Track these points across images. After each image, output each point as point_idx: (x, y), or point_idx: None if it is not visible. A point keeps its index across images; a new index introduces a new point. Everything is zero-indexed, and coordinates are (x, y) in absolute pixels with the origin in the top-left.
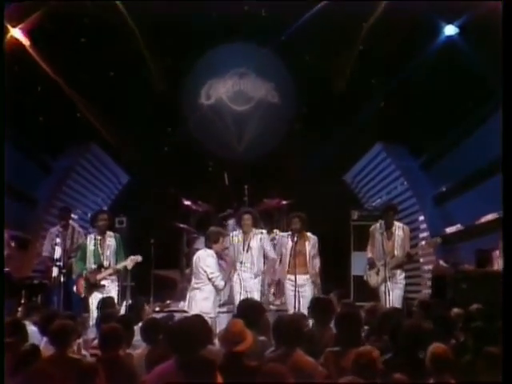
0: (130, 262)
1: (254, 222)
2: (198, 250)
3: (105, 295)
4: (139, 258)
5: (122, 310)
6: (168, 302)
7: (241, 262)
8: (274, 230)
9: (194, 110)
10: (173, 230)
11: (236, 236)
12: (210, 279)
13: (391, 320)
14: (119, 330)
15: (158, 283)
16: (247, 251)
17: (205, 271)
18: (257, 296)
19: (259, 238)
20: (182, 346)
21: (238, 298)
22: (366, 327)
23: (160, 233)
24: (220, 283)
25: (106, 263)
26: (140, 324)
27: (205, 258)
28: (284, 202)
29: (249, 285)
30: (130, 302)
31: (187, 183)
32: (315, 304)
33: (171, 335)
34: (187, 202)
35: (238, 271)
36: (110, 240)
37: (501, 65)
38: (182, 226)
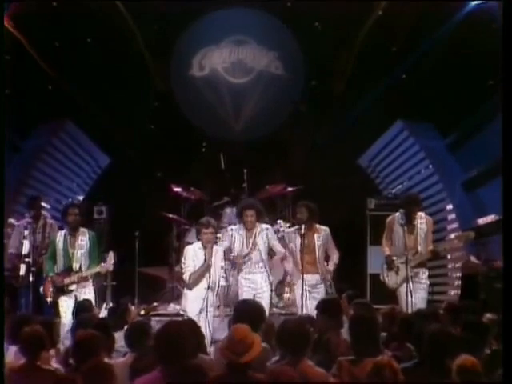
0: (99, 269)
1: (259, 216)
2: (189, 244)
3: (81, 298)
4: (111, 267)
5: (102, 314)
6: (155, 304)
7: (245, 262)
8: (278, 221)
9: (184, 82)
10: (160, 221)
11: (237, 232)
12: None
13: (413, 326)
14: (95, 336)
15: (143, 282)
16: (253, 249)
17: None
18: (267, 299)
19: (265, 235)
20: (168, 354)
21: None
22: (383, 334)
23: (146, 224)
24: (185, 277)
25: (75, 266)
26: (124, 329)
27: (185, 251)
28: (290, 189)
29: (260, 286)
30: (112, 304)
31: (177, 167)
32: (322, 306)
33: (156, 341)
34: (177, 189)
35: (242, 271)
36: (83, 239)
37: (501, 65)
38: (171, 216)
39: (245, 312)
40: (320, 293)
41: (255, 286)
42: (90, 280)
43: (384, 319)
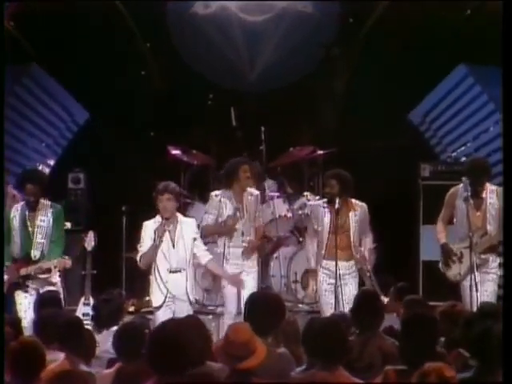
0: (57, 263)
1: (256, 178)
2: None
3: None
4: (69, 263)
5: (80, 310)
6: (147, 298)
7: (241, 235)
8: (305, 193)
9: (183, 21)
10: (154, 193)
11: (225, 198)
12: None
13: (478, 327)
14: (32, 347)
15: (132, 271)
16: (242, 217)
17: None
18: (255, 280)
19: (255, 201)
20: (165, 362)
21: (232, 288)
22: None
23: (135, 197)
24: (138, 258)
25: (35, 253)
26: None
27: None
28: (320, 152)
29: (247, 262)
30: (105, 295)
31: (175, 124)
32: (358, 301)
33: (150, 346)
34: (175, 152)
35: (228, 251)
36: (43, 218)
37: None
38: None
39: (257, 306)
40: (352, 284)
41: (241, 261)
42: (56, 272)
43: (442, 320)
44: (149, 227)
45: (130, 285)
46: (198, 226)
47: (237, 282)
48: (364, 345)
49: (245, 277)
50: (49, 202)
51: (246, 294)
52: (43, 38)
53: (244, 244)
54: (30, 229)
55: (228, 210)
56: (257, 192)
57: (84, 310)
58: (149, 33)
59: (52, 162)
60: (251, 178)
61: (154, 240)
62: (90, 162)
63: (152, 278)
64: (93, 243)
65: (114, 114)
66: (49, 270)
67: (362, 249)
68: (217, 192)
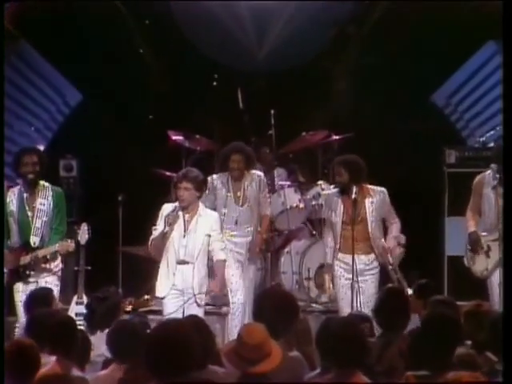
0: (58, 247)
1: (248, 164)
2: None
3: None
4: (72, 246)
5: (73, 310)
6: (147, 296)
7: (236, 223)
8: (319, 182)
9: None
10: (153, 182)
11: (220, 182)
12: None
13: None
14: (26, 350)
15: (129, 267)
16: (243, 204)
17: None
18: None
19: (257, 185)
20: (164, 366)
21: (232, 278)
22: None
23: (133, 185)
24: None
25: (35, 240)
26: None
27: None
28: (335, 138)
29: (247, 254)
30: (100, 294)
31: (177, 106)
32: (382, 298)
33: (148, 348)
34: (177, 137)
35: (228, 236)
36: (43, 201)
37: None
38: (168, 174)
39: (267, 306)
40: (374, 281)
41: (243, 251)
42: (56, 263)
43: (466, 321)
44: (166, 211)
45: (127, 282)
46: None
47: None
48: (385, 347)
49: (247, 268)
50: (48, 185)
51: (249, 287)
52: (32, 14)
53: (248, 236)
54: (28, 213)
55: (225, 195)
56: (260, 174)
57: (77, 309)
58: (148, 9)
59: (42, 148)
60: (241, 169)
61: (164, 227)
62: (84, 147)
63: (161, 265)
64: (86, 236)
65: (110, 96)
66: (52, 258)
67: (389, 237)
68: (214, 176)
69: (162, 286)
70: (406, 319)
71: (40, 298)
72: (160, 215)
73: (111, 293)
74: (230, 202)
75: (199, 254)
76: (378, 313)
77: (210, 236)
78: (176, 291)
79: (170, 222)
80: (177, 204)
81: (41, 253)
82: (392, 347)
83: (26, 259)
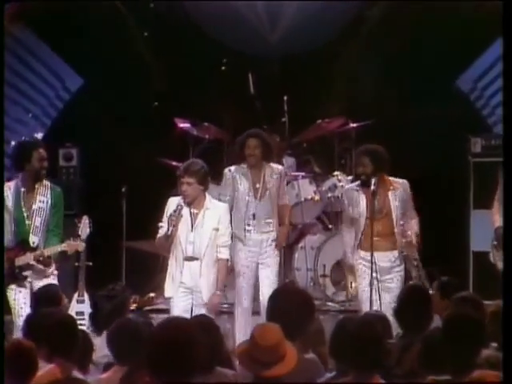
0: (66, 246)
1: (266, 150)
2: None
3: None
4: (82, 245)
5: (73, 308)
6: (152, 294)
7: (254, 217)
8: (335, 173)
9: None
10: (159, 172)
11: (239, 173)
12: None
13: None
14: (25, 350)
15: (133, 263)
16: (262, 197)
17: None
18: (273, 273)
19: (277, 178)
20: (169, 368)
21: (243, 279)
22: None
23: (137, 176)
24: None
25: (34, 239)
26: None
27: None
28: (352, 125)
29: (264, 251)
30: (107, 291)
31: (184, 92)
32: (403, 297)
33: (151, 349)
34: (184, 124)
35: (244, 235)
36: (42, 199)
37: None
38: (174, 164)
39: (282, 305)
40: (398, 279)
41: (259, 250)
42: (53, 265)
43: (491, 322)
44: (171, 205)
45: (131, 279)
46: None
47: (212, 306)
48: (405, 349)
49: (263, 269)
50: (47, 182)
51: (265, 292)
52: None
53: (266, 233)
54: (26, 211)
55: (243, 188)
56: (280, 167)
57: (78, 307)
58: None
59: (40, 136)
60: (258, 156)
61: (168, 228)
62: (84, 135)
63: (169, 264)
64: (88, 230)
65: (112, 81)
66: (49, 261)
67: (409, 232)
68: (231, 167)
69: (169, 286)
70: (428, 319)
71: (49, 296)
72: (166, 210)
73: (119, 290)
74: (248, 194)
75: (207, 249)
76: (398, 312)
77: (217, 230)
78: (185, 290)
79: (174, 223)
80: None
81: (47, 252)
82: (413, 349)
83: (23, 259)
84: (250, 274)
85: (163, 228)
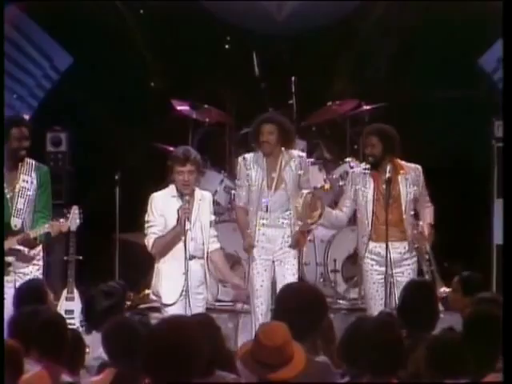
0: (49, 227)
1: (284, 137)
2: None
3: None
4: (65, 226)
5: (62, 306)
6: (147, 291)
7: (268, 210)
8: (347, 159)
9: None
10: (155, 158)
11: (254, 162)
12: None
13: None
14: (11, 352)
15: (127, 256)
16: (277, 188)
17: None
18: (291, 272)
19: (296, 166)
20: (163, 369)
21: (258, 279)
22: None
23: (132, 162)
24: (148, 242)
25: (16, 222)
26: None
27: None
28: (365, 108)
29: (280, 247)
30: (103, 287)
31: (183, 72)
32: (405, 294)
33: (147, 350)
34: (182, 107)
35: (257, 226)
36: (26, 179)
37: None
38: (172, 149)
39: (291, 303)
40: (409, 273)
41: (273, 246)
42: (37, 250)
43: None
44: (158, 201)
45: (124, 274)
46: (214, 202)
47: (238, 293)
48: (411, 350)
49: (279, 267)
50: (32, 161)
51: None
52: None
53: (282, 227)
54: (8, 192)
55: (257, 178)
56: (301, 154)
57: (67, 305)
58: None
59: (26, 118)
60: (273, 142)
61: (178, 222)
62: (74, 118)
63: (162, 266)
64: (78, 221)
65: (104, 59)
66: (33, 244)
67: (421, 223)
68: (246, 155)
69: (169, 290)
70: (434, 317)
71: (31, 292)
72: (150, 208)
73: (116, 288)
74: (262, 185)
75: (207, 244)
76: (401, 311)
77: (211, 222)
78: (187, 294)
79: (186, 216)
80: (171, 191)
81: (32, 233)
82: (418, 350)
83: (6, 244)
84: (265, 273)
85: (156, 227)
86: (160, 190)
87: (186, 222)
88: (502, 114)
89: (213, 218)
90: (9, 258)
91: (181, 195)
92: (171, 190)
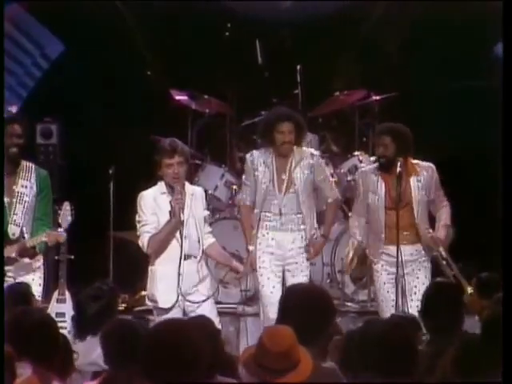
0: (46, 237)
1: (299, 136)
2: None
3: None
4: (62, 236)
5: (53, 308)
6: (143, 293)
7: (278, 213)
8: (356, 153)
9: None
10: (152, 151)
11: (262, 160)
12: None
13: None
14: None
15: (122, 256)
16: (287, 189)
17: None
18: (303, 279)
19: (308, 166)
20: (161, 373)
21: (268, 286)
22: None
23: (127, 156)
24: (142, 242)
25: (14, 230)
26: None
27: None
28: (375, 98)
29: (291, 254)
30: (92, 290)
31: (181, 60)
32: (429, 296)
33: (145, 354)
34: (181, 97)
35: (264, 230)
36: (25, 184)
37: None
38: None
39: (297, 305)
40: (424, 274)
41: (283, 252)
42: (40, 259)
43: None
44: (148, 199)
45: (119, 275)
46: (214, 198)
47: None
48: (437, 355)
49: (291, 278)
50: (31, 165)
51: None
52: None
53: (292, 232)
54: (7, 197)
55: (264, 178)
56: (314, 152)
57: (58, 308)
58: None
59: (14, 110)
60: (292, 142)
61: (171, 216)
62: (66, 109)
63: (157, 268)
64: (69, 218)
65: (98, 46)
66: (33, 253)
67: (437, 225)
68: (254, 152)
69: (164, 293)
70: (460, 320)
71: (17, 295)
72: (140, 207)
73: (106, 290)
74: (269, 186)
75: (203, 243)
76: (424, 314)
77: (205, 218)
78: (183, 296)
79: (181, 206)
80: (160, 187)
81: (29, 242)
82: (445, 355)
83: (5, 252)
84: (275, 279)
85: (148, 226)
86: (149, 187)
87: (181, 214)
88: (503, 113)
89: (206, 213)
90: (6, 268)
91: (171, 191)
92: (160, 187)
